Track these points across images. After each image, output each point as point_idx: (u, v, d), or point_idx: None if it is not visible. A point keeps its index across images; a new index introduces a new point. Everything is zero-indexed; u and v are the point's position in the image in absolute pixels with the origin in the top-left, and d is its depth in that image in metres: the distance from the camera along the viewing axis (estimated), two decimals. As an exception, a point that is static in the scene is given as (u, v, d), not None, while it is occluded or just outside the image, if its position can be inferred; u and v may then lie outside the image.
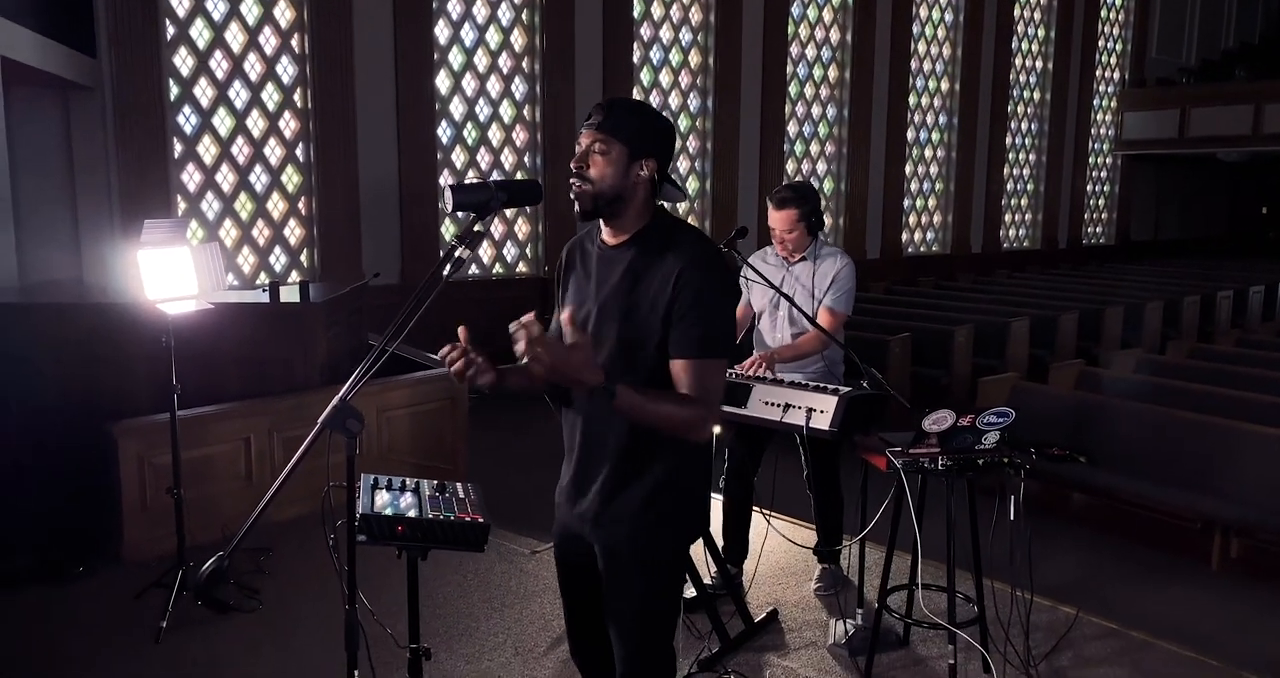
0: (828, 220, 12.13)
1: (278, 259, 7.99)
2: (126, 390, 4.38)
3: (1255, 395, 5.25)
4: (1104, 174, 15.75)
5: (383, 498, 2.18)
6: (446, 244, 9.61)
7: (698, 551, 3.45)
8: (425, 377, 5.26)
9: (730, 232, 3.64)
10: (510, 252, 9.30)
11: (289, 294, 5.02)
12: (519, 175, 9.19)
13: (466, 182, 1.98)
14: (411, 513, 2.11)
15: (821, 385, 3.18)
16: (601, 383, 1.80)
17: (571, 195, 1.99)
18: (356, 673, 1.95)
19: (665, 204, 2.11)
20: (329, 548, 2.03)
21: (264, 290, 5.01)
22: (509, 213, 9.19)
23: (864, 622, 3.37)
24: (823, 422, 2.98)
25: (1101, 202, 15.89)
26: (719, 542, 3.73)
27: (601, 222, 2.04)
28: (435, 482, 2.32)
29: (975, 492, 3.05)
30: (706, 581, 3.54)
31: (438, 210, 8.48)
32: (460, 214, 1.93)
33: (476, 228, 1.90)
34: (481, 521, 2.17)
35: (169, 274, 3.63)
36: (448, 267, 1.89)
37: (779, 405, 3.07)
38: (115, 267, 4.14)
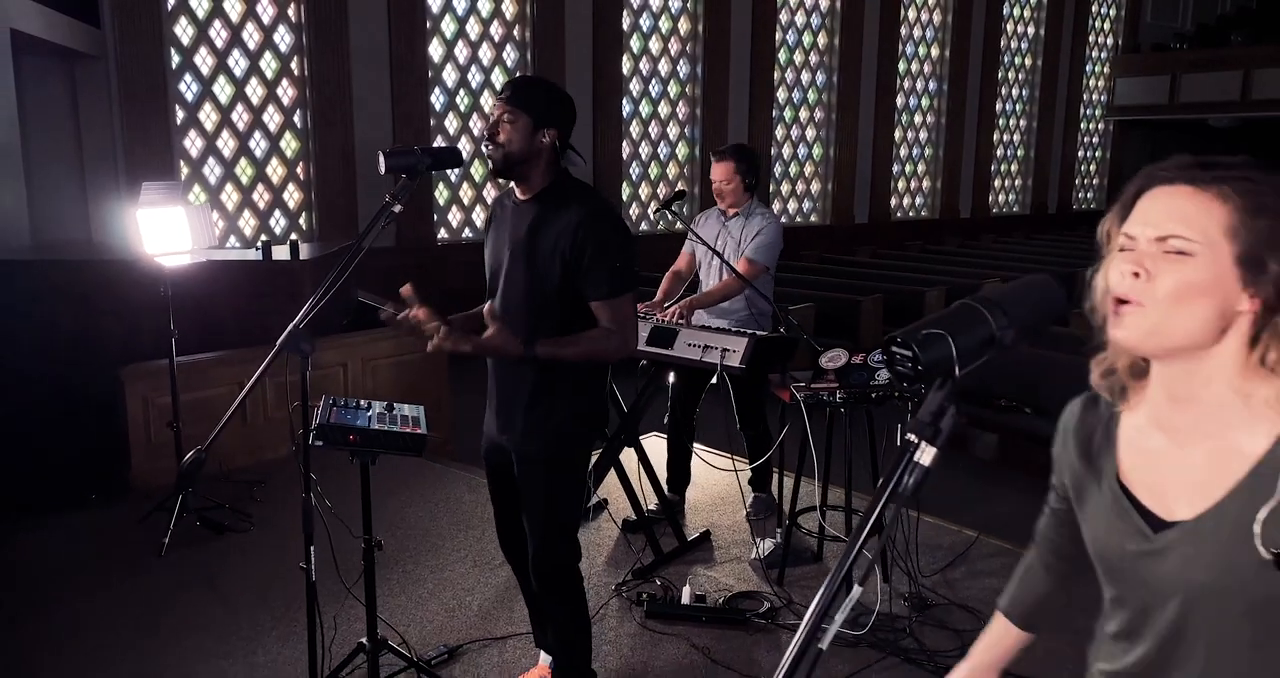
0: (816, 186, 12.43)
1: (277, 222, 8.39)
2: (132, 338, 4.82)
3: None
4: (1095, 140, 15.91)
5: (338, 413, 2.59)
6: (440, 208, 9.91)
7: (641, 478, 3.86)
8: (409, 329, 5.68)
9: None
10: (502, 215, 9.65)
11: (280, 253, 5.45)
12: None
13: (396, 148, 2.37)
14: (361, 425, 2.53)
15: (740, 330, 3.60)
16: (522, 353, 2.23)
17: (487, 159, 2.38)
18: (313, 549, 2.37)
19: (571, 169, 2.49)
20: (293, 451, 2.44)
21: (258, 249, 5.44)
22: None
23: (782, 540, 3.78)
24: (734, 359, 3.39)
25: (1092, 167, 16.07)
26: (662, 473, 4.16)
27: (513, 181, 2.42)
28: (385, 402, 2.73)
29: (874, 420, 3.45)
30: (650, 507, 3.97)
31: (431, 176, 8.84)
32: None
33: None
34: (420, 432, 2.59)
35: (165, 231, 4.04)
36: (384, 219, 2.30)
37: (699, 347, 3.48)
38: (121, 227, 4.57)
